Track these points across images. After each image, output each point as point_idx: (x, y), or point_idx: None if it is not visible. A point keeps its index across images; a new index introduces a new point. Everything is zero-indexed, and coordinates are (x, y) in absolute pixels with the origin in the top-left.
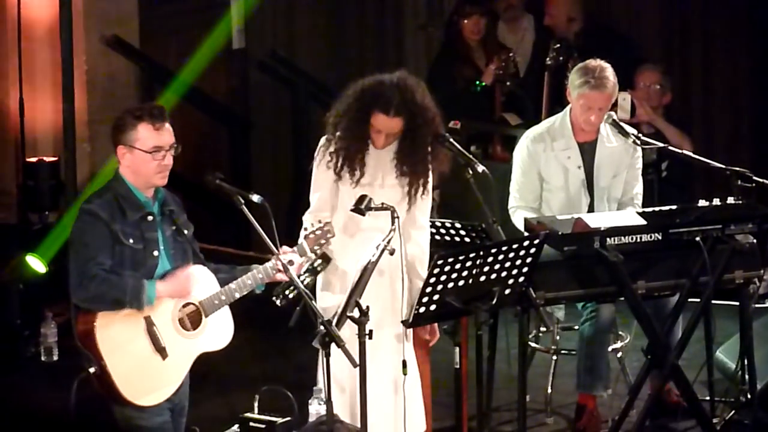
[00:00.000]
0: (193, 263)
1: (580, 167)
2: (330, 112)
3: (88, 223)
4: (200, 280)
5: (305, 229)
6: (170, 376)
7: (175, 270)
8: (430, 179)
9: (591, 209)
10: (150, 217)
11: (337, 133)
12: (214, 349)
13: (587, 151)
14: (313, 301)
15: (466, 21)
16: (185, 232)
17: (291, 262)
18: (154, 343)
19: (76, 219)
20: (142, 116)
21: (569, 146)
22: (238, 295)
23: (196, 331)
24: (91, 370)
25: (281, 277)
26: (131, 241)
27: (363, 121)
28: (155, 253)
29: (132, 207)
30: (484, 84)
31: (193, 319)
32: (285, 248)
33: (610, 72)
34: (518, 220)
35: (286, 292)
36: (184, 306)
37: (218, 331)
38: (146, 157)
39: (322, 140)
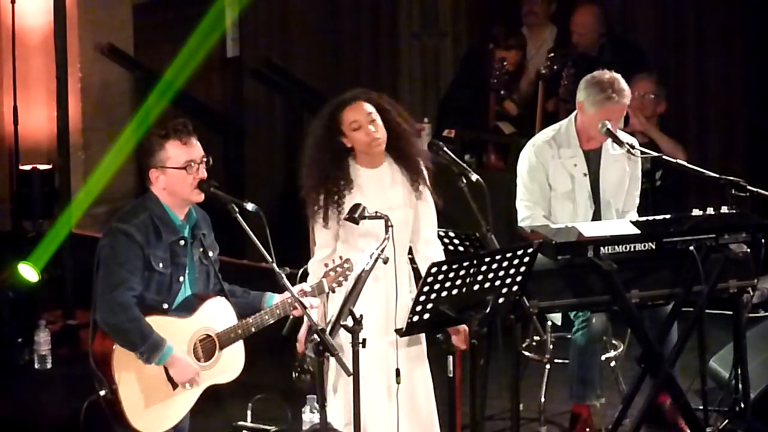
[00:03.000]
0: (213, 286)
1: (586, 175)
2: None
3: (123, 243)
4: (218, 312)
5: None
6: (177, 406)
7: (195, 298)
8: (426, 181)
9: (597, 218)
10: (182, 242)
11: (310, 175)
12: (224, 382)
13: (592, 159)
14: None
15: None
16: (210, 254)
17: (311, 306)
18: (167, 371)
19: (107, 236)
20: (168, 134)
21: (576, 154)
22: (254, 330)
23: (209, 363)
24: (102, 393)
25: (299, 312)
26: (161, 266)
27: (336, 143)
28: (181, 278)
29: (167, 229)
30: None
31: (206, 349)
32: (304, 286)
33: (624, 82)
34: None
35: (305, 366)
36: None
37: (230, 364)
38: (180, 174)
39: (309, 209)
